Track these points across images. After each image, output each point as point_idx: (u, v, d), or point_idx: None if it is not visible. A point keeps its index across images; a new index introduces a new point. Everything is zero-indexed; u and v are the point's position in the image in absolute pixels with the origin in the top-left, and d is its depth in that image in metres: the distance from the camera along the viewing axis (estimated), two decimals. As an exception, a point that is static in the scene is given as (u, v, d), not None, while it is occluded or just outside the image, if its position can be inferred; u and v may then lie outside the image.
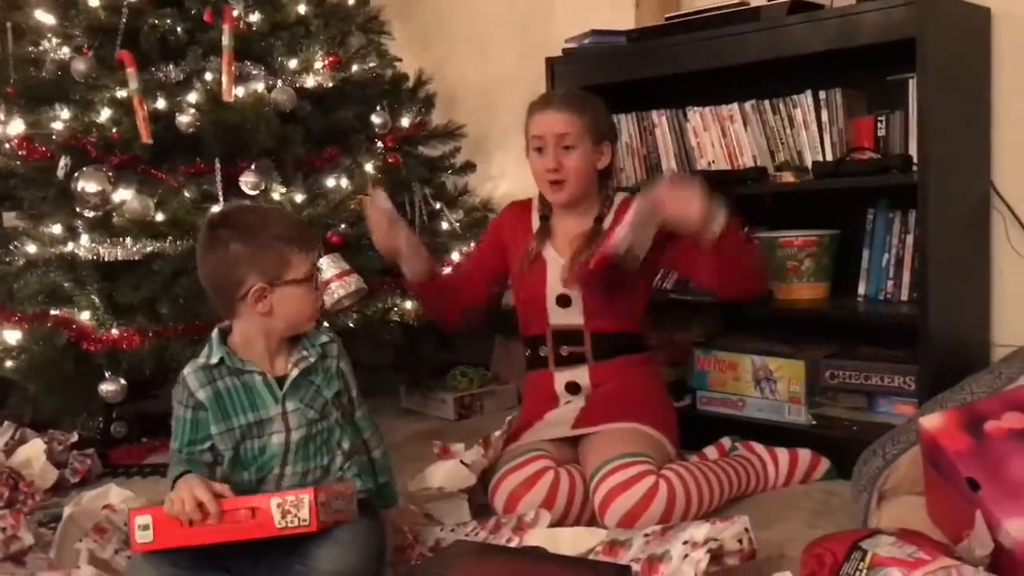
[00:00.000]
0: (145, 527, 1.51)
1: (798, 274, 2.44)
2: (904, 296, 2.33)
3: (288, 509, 1.51)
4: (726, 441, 2.32)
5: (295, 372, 1.71)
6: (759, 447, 2.26)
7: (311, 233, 1.78)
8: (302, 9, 2.76)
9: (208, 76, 2.57)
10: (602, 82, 2.56)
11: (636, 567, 1.60)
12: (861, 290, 2.41)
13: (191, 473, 1.57)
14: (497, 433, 2.17)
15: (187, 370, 1.70)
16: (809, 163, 2.40)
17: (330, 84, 2.74)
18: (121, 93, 2.53)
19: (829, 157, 2.37)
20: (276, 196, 2.57)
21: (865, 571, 1.44)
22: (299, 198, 2.59)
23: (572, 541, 1.78)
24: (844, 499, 2.05)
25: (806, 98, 2.40)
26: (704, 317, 2.67)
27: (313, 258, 1.75)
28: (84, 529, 1.92)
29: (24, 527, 1.92)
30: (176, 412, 1.69)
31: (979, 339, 2.36)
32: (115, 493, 2.12)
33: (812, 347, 2.44)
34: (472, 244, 2.99)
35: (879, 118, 2.32)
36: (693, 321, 2.64)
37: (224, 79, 2.52)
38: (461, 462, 2.12)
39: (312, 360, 1.74)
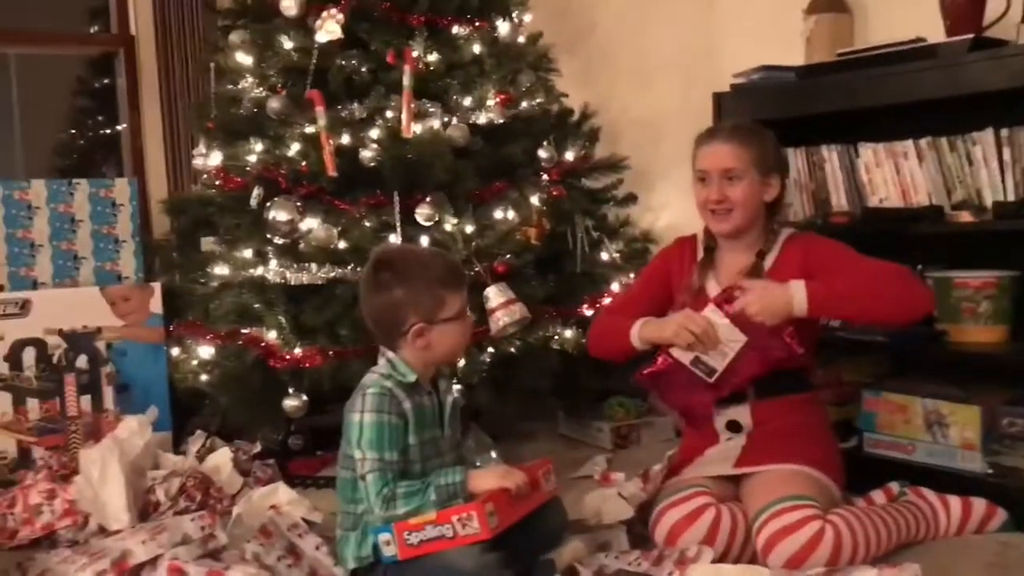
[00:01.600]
0: (491, 513, 1.72)
1: (974, 316, 2.36)
2: (1091, 343, 2.22)
3: (546, 476, 1.96)
4: (894, 486, 2.26)
5: (450, 399, 1.98)
6: (929, 493, 2.19)
7: (462, 273, 1.97)
8: (476, 49, 2.89)
9: (389, 114, 2.72)
10: (770, 117, 2.55)
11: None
12: (1043, 335, 2.31)
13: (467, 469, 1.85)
14: (657, 467, 2.20)
15: (388, 383, 1.85)
16: (989, 202, 2.32)
17: (500, 120, 2.86)
18: (310, 129, 2.71)
19: (1011, 196, 2.29)
20: (448, 227, 2.69)
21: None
22: (469, 229, 2.71)
23: (736, 578, 1.80)
24: (1022, 552, 1.97)
25: (987, 135, 2.33)
26: (873, 357, 2.61)
27: (464, 296, 1.94)
28: (252, 529, 2.07)
29: (219, 527, 2.08)
30: (378, 420, 1.81)
31: None
32: (283, 492, 2.28)
33: (988, 393, 2.35)
34: (632, 275, 3.04)
35: (1067, 157, 2.23)
36: (862, 361, 2.59)
37: (404, 116, 2.67)
38: (619, 494, 2.16)
39: (455, 395, 2.02)
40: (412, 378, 1.87)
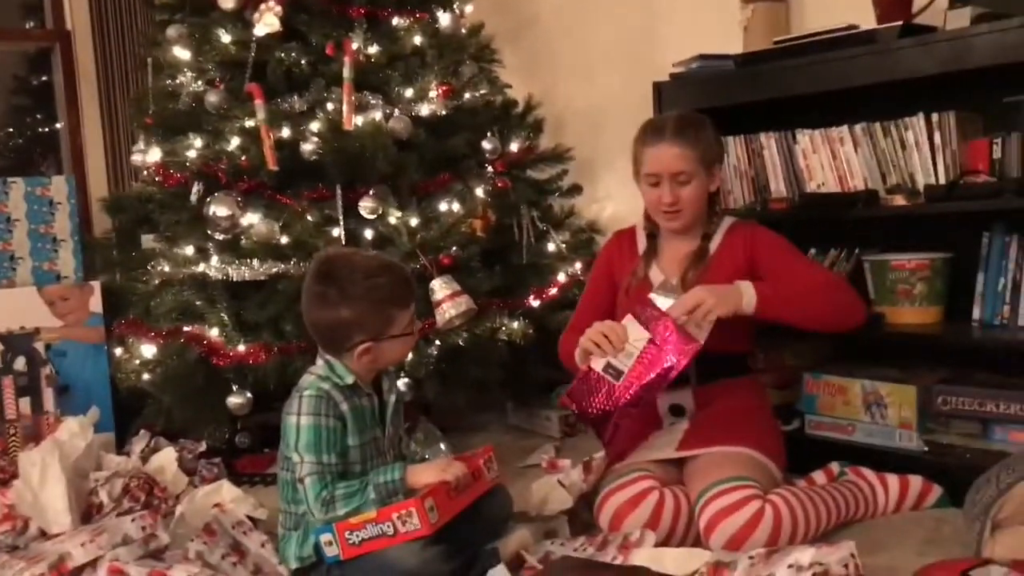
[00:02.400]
0: (431, 508, 1.72)
1: (910, 298, 2.41)
2: (1021, 321, 2.28)
3: (488, 464, 1.96)
4: (835, 466, 2.30)
5: (392, 398, 1.97)
6: (868, 473, 2.24)
7: (410, 286, 1.93)
8: (418, 40, 2.88)
9: (330, 106, 2.70)
10: (710, 105, 2.58)
11: (741, 588, 1.62)
12: (975, 315, 2.37)
13: (406, 465, 1.84)
14: (599, 456, 2.21)
15: (324, 385, 1.84)
16: (921, 186, 2.37)
17: (443, 112, 2.85)
18: (249, 123, 2.68)
19: (942, 180, 2.34)
20: (392, 220, 2.68)
21: (975, 601, 1.43)
22: (413, 222, 2.70)
23: (677, 562, 1.82)
24: (956, 528, 2.02)
25: (918, 120, 2.37)
26: (813, 340, 2.64)
27: (412, 309, 1.92)
28: (195, 528, 2.05)
29: (161, 527, 2.06)
30: (315, 423, 1.81)
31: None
32: (227, 490, 2.25)
33: (924, 372, 2.41)
34: (577, 265, 3.05)
35: (994, 140, 2.28)
36: (803, 345, 2.63)
37: (345, 109, 2.65)
38: (559, 483, 2.18)
39: (399, 392, 2.03)
40: (350, 380, 1.86)
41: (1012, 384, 2.23)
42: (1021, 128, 2.23)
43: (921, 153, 2.38)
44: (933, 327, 2.40)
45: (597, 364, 2.09)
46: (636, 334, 2.07)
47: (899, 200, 2.39)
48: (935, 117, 2.35)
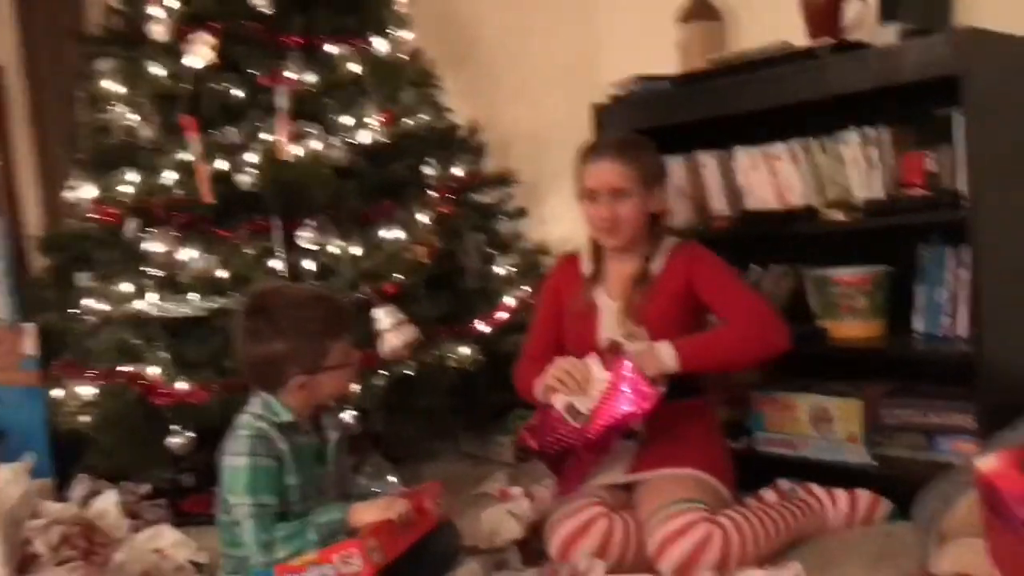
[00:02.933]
0: (373, 549, 1.67)
1: (852, 312, 2.42)
2: (962, 332, 2.29)
3: (435, 501, 1.89)
4: (784, 483, 2.30)
5: (334, 436, 1.92)
6: (818, 489, 2.24)
7: (345, 317, 1.89)
8: (355, 68, 2.84)
9: (267, 137, 2.67)
10: (649, 126, 2.58)
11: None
12: (918, 327, 2.38)
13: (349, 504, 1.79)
14: (542, 485, 2.19)
15: (261, 424, 1.80)
16: (859, 200, 2.39)
17: (384, 139, 2.82)
18: (184, 156, 2.64)
19: (879, 194, 2.36)
20: (333, 250, 2.64)
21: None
22: (355, 251, 2.66)
23: (627, 589, 1.80)
24: (906, 541, 2.01)
25: (853, 135, 2.39)
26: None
27: (348, 339, 1.87)
28: (134, 574, 1.99)
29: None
30: (251, 464, 1.76)
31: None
32: (168, 534, 2.20)
33: (869, 386, 2.42)
34: (526, 288, 3.03)
35: (928, 154, 2.30)
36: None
37: (281, 139, 2.61)
38: (510, 512, 2.15)
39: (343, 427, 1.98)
40: (287, 418, 1.81)
41: (955, 395, 2.25)
42: (953, 141, 2.25)
43: (858, 168, 2.40)
44: (876, 340, 2.42)
45: (559, 403, 2.08)
46: (599, 374, 2.07)
47: (838, 215, 2.40)
48: (870, 132, 2.37)
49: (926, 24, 2.22)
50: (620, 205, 2.19)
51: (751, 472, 2.32)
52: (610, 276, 2.30)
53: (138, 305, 2.59)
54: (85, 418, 2.64)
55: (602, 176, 2.20)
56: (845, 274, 2.43)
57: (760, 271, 2.68)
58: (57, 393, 2.79)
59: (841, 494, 2.21)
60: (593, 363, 2.09)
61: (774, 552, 2.01)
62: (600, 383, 2.05)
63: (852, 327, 2.43)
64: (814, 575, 1.66)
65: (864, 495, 2.21)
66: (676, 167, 2.73)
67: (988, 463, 1.58)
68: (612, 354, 2.12)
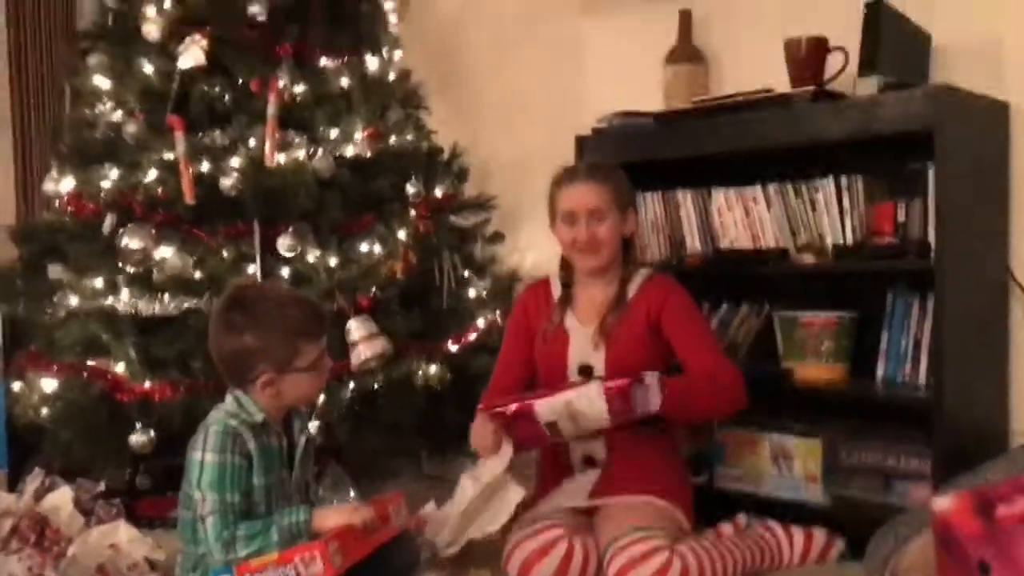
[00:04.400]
0: (335, 552, 1.67)
1: (818, 354, 2.47)
2: (922, 379, 2.35)
3: (397, 511, 1.90)
4: (742, 518, 2.33)
5: (302, 439, 1.91)
6: (775, 525, 2.27)
7: (322, 320, 1.89)
8: (345, 83, 2.88)
9: (252, 142, 2.68)
10: (629, 160, 2.63)
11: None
12: (880, 372, 2.43)
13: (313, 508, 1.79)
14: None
15: (232, 422, 1.78)
16: (830, 245, 2.45)
17: (368, 154, 2.85)
18: (168, 155, 2.64)
19: (850, 240, 2.42)
20: (311, 259, 2.65)
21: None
22: (332, 261, 2.68)
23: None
24: (858, 581, 2.04)
25: (828, 183, 2.46)
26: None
27: (322, 344, 1.87)
28: (88, 569, 1.96)
29: (50, 568, 1.97)
30: (220, 460, 1.75)
31: (998, 425, 2.36)
32: (124, 530, 2.17)
33: (830, 427, 2.46)
34: (497, 312, 3.05)
35: (899, 204, 2.37)
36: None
37: (267, 145, 2.63)
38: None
39: (309, 434, 1.96)
40: (259, 418, 1.81)
41: (912, 440, 2.29)
42: (924, 193, 2.32)
43: (830, 214, 2.46)
44: (839, 383, 2.46)
45: (543, 416, 2.12)
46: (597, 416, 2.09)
47: (808, 258, 2.46)
48: (844, 180, 2.44)
49: (903, 79, 2.30)
50: (598, 225, 2.24)
51: (711, 506, 2.35)
52: (580, 300, 2.33)
53: (110, 300, 2.58)
54: (45, 411, 2.61)
55: (580, 198, 2.25)
56: (813, 316, 2.48)
57: (731, 309, 2.72)
58: (18, 385, 2.76)
59: (798, 532, 2.24)
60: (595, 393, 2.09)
61: (730, 584, 2.03)
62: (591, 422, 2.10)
63: (817, 369, 2.48)
64: (767, 608, 1.68)
65: (820, 534, 2.24)
66: (653, 202, 2.78)
67: (944, 503, 1.62)
68: (584, 380, 2.14)
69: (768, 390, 2.45)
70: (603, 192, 2.24)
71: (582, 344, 2.25)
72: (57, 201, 2.88)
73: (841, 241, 2.43)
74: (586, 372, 2.22)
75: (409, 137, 3.06)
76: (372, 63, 2.99)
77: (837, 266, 2.41)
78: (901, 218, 2.37)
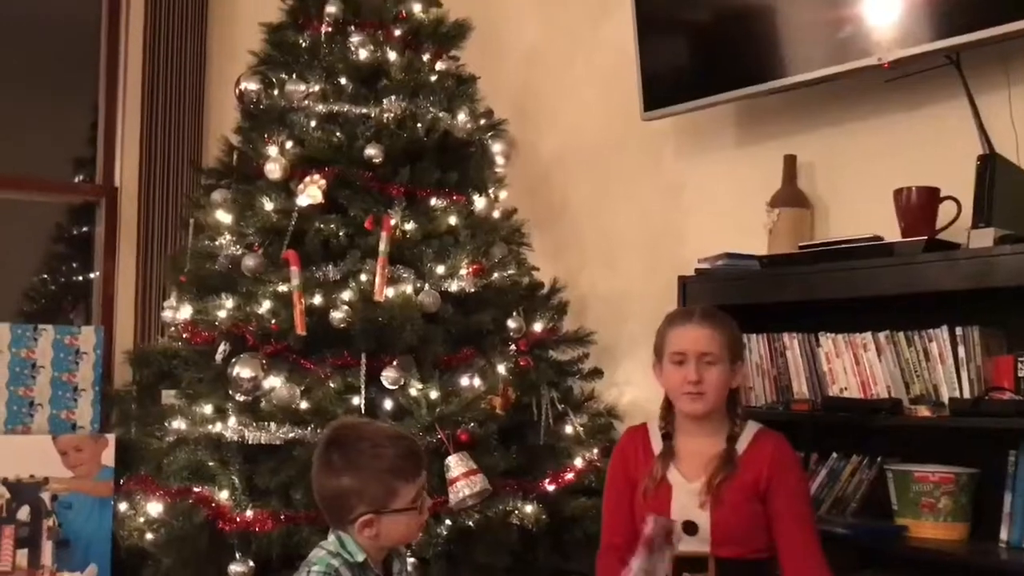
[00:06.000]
0: None
1: (934, 512, 2.36)
2: (1051, 545, 2.21)
3: None
4: None
5: None
6: None
7: (419, 461, 1.88)
8: (452, 220, 2.97)
9: (363, 276, 2.77)
10: (733, 303, 2.62)
11: None
12: (1003, 535, 2.29)
13: None
14: None
15: (334, 562, 1.78)
16: (945, 397, 2.36)
17: (472, 289, 2.91)
18: (282, 288, 2.74)
19: (967, 393, 2.34)
20: (413, 392, 2.69)
21: None
22: (433, 395, 2.70)
23: None
24: None
25: (942, 333, 2.39)
26: (838, 551, 2.57)
27: (420, 484, 1.86)
28: None
29: None
30: None
31: None
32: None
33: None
34: (595, 451, 3.01)
35: (1020, 359, 2.29)
36: (827, 554, 2.54)
37: (377, 280, 2.71)
38: None
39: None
40: (360, 558, 1.80)
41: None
42: (1045, 348, 2.24)
43: (945, 365, 2.39)
44: (958, 544, 2.33)
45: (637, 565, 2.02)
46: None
47: (923, 411, 2.38)
48: (959, 331, 2.37)
49: (1018, 230, 2.26)
50: (708, 370, 2.19)
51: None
52: (683, 452, 2.26)
53: (218, 427, 2.64)
54: (150, 535, 2.65)
55: (691, 339, 2.21)
56: (928, 471, 2.38)
57: (840, 459, 2.64)
58: (125, 506, 2.82)
59: None
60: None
61: None
62: None
63: (933, 528, 2.35)
64: None
65: None
66: (759, 344, 2.75)
67: None
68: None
69: (882, 548, 2.34)
70: (716, 337, 2.21)
71: (686, 500, 2.18)
72: (174, 328, 3.00)
73: (957, 394, 2.35)
74: (691, 529, 2.15)
75: (511, 272, 3.11)
76: (479, 202, 3.08)
77: (954, 421, 2.31)
78: (1021, 372, 2.28)
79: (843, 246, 2.53)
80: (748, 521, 2.11)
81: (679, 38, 3.19)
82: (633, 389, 3.43)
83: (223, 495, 2.57)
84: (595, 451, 3.02)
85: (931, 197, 2.44)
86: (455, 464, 2.59)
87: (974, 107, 2.49)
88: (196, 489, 2.61)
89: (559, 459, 2.98)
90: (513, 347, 3.03)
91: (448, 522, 2.62)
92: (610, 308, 3.55)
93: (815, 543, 2.15)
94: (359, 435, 1.88)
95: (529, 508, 2.76)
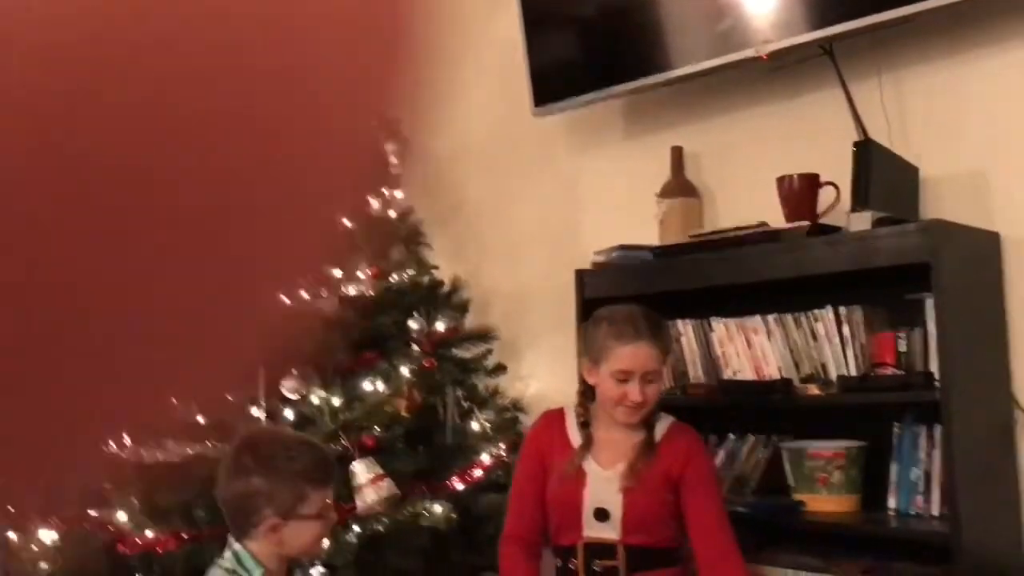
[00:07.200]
0: None
1: (828, 486, 2.45)
2: (936, 511, 2.32)
3: None
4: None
5: None
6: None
7: (329, 470, 1.89)
8: (347, 223, 2.93)
9: (257, 286, 2.71)
10: (629, 293, 2.66)
11: None
12: (891, 504, 2.41)
13: None
14: None
15: None
16: (834, 375, 2.46)
17: (371, 293, 2.88)
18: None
19: (853, 371, 2.43)
20: (315, 400, 2.65)
21: None
22: (336, 401, 2.67)
23: None
24: None
25: (827, 313, 2.49)
26: (740, 529, 2.65)
27: (327, 494, 1.85)
28: None
29: None
30: None
31: (1014, 555, 2.33)
32: None
33: (845, 561, 2.41)
34: (502, 446, 3.03)
35: (899, 334, 2.39)
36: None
37: (272, 289, 2.66)
38: None
39: None
40: (257, 574, 1.78)
41: (929, 574, 2.25)
42: (923, 323, 2.35)
43: (832, 344, 2.48)
44: (851, 516, 2.43)
45: None
46: None
47: (813, 389, 2.47)
48: (843, 311, 2.47)
49: (895, 212, 2.36)
50: (650, 387, 2.21)
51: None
52: (600, 443, 2.29)
53: (112, 447, 2.55)
54: (44, 565, 2.55)
55: (642, 361, 2.19)
56: (820, 448, 2.47)
57: (737, 440, 2.72)
58: (15, 537, 2.70)
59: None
60: None
61: None
62: None
63: (827, 501, 2.45)
64: None
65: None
66: (655, 334, 2.80)
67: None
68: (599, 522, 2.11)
69: (780, 524, 2.42)
70: (660, 354, 2.24)
71: (600, 486, 2.21)
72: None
73: (844, 371, 2.45)
74: (602, 516, 2.18)
75: (411, 273, 3.10)
76: (373, 203, 3.06)
77: (843, 398, 2.41)
78: (902, 348, 2.39)
79: (732, 234, 2.59)
80: (660, 508, 2.16)
81: (565, 34, 3.22)
82: (537, 382, 3.45)
83: (121, 517, 2.49)
84: (502, 446, 3.04)
85: (811, 183, 2.53)
86: (361, 470, 2.57)
87: (848, 95, 2.58)
88: (93, 513, 2.52)
89: (467, 457, 2.99)
90: (416, 348, 3.02)
91: (357, 528, 2.59)
92: (511, 303, 3.56)
93: (727, 526, 2.22)
94: (273, 439, 1.91)
95: (439, 508, 2.76)
